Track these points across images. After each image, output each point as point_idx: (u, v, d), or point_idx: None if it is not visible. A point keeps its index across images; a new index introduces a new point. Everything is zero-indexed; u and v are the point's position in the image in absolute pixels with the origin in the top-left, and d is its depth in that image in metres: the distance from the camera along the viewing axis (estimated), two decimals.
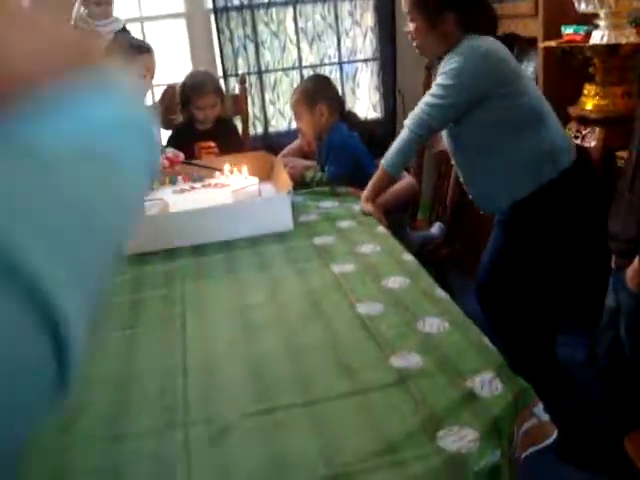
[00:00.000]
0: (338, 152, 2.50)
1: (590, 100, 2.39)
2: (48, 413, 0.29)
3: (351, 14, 3.56)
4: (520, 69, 2.10)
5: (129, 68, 0.46)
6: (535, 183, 1.97)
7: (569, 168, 1.99)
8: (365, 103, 3.71)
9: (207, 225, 1.98)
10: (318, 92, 2.57)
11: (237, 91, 3.24)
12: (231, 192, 2.15)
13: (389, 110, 3.65)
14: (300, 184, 2.45)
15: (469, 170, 2.15)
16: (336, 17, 3.52)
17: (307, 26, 3.51)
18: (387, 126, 3.56)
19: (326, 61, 3.59)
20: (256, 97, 3.49)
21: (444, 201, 2.78)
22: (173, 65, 3.27)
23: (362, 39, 3.61)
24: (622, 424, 1.70)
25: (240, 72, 3.37)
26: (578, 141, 2.35)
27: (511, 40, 2.74)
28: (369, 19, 3.59)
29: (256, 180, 2.24)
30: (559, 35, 2.47)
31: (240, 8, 3.36)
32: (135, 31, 3.20)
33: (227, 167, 2.38)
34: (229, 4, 3.35)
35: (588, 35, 2.32)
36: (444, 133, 2.14)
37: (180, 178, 2.47)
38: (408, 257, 1.75)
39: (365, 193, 2.16)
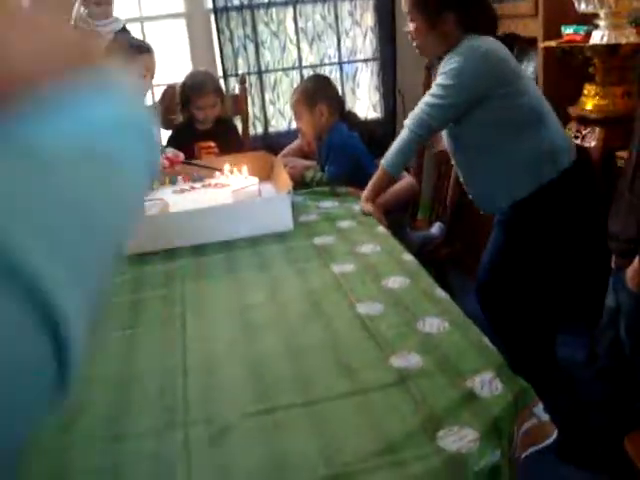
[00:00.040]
0: (338, 152, 2.50)
1: (590, 100, 2.39)
2: (48, 413, 0.29)
3: (351, 14, 3.56)
4: (520, 69, 2.10)
5: (129, 68, 0.46)
6: (535, 183, 1.97)
7: (569, 168, 1.99)
8: (365, 103, 3.71)
9: (207, 225, 1.98)
10: (318, 92, 2.57)
11: (237, 91, 3.24)
12: (231, 192, 2.15)
13: (389, 110, 3.65)
14: (300, 184, 2.45)
15: (469, 170, 2.15)
16: (336, 17, 3.52)
17: (307, 26, 3.51)
18: (387, 126, 3.56)
19: (326, 61, 3.59)
20: (256, 97, 3.49)
21: (444, 201, 2.78)
22: (173, 65, 3.27)
23: (362, 39, 3.61)
24: (622, 424, 1.70)
25: (240, 72, 3.37)
26: (578, 141, 2.35)
27: (511, 40, 2.73)
28: (369, 19, 3.59)
29: (256, 180, 2.24)
30: (559, 35, 2.47)
31: (240, 8, 3.36)
32: (135, 31, 3.20)
33: (227, 167, 2.38)
34: (229, 4, 3.35)
35: (588, 35, 2.32)
36: (444, 133, 2.14)
37: (180, 178, 2.47)
38: (408, 257, 1.75)
39: (365, 193, 2.16)
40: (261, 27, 3.43)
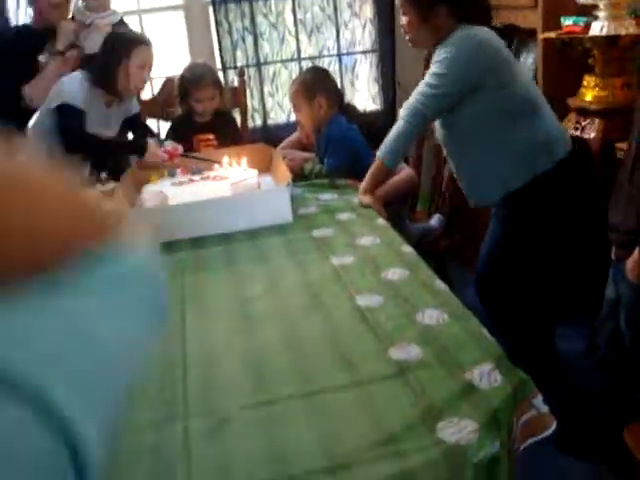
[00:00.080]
0: (337, 144, 2.49)
1: (590, 91, 2.38)
2: None
3: (350, 6, 3.54)
4: (513, 59, 2.09)
5: (142, 226, 0.45)
6: (529, 174, 1.97)
7: (565, 159, 1.99)
8: (364, 95, 3.69)
9: (206, 218, 1.97)
10: (317, 84, 2.56)
11: (236, 83, 3.23)
12: (230, 185, 2.15)
13: (388, 102, 3.64)
14: (299, 176, 2.44)
15: (461, 161, 2.14)
16: (335, 9, 3.51)
17: (306, 18, 3.49)
18: (386, 118, 3.54)
19: (325, 53, 3.57)
20: (255, 89, 3.48)
21: (443, 193, 2.77)
22: (171, 58, 3.26)
23: (361, 31, 3.59)
24: (622, 415, 1.70)
25: (239, 64, 3.36)
26: (578, 132, 2.34)
27: (510, 31, 2.73)
28: (368, 11, 3.58)
29: (255, 172, 2.24)
30: (558, 26, 2.46)
31: (238, 0, 3.35)
32: (133, 24, 3.18)
33: (226, 159, 2.37)
34: None
35: (587, 26, 2.31)
36: (437, 123, 2.13)
37: (179, 171, 2.47)
38: (407, 249, 1.75)
39: (363, 185, 2.16)
40: (260, 19, 3.41)
